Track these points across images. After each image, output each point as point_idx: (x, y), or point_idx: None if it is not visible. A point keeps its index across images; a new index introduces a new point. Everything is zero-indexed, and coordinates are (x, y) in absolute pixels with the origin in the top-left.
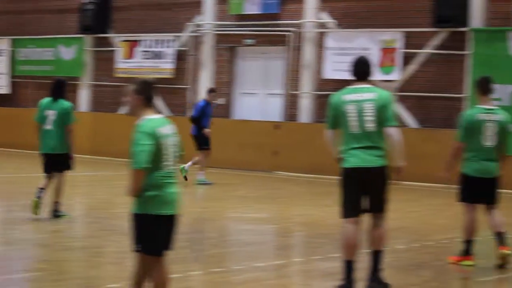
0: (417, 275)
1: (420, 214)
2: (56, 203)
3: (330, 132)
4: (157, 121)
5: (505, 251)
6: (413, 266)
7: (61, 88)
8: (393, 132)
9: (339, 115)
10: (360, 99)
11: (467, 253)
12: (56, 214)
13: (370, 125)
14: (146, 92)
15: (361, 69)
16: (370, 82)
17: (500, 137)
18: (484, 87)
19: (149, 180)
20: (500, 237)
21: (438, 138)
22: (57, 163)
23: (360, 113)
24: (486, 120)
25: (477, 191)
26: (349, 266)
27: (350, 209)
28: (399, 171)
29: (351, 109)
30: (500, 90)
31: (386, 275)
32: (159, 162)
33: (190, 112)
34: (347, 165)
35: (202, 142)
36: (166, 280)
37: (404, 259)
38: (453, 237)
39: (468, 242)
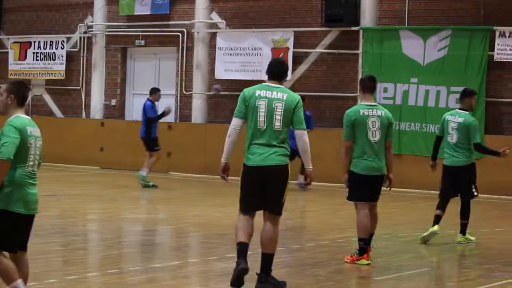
0: (312, 274)
1: (316, 214)
2: None
3: (238, 121)
4: (27, 120)
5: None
6: (308, 266)
7: None
8: (302, 135)
9: (249, 108)
10: (271, 97)
11: (362, 252)
12: None
13: (277, 124)
14: (18, 92)
15: (277, 69)
16: (282, 83)
17: (383, 133)
18: (366, 85)
19: (12, 177)
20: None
21: (330, 137)
22: None
23: (270, 111)
24: (369, 116)
25: (367, 189)
26: (242, 249)
27: (247, 206)
28: (309, 174)
29: (261, 105)
30: (393, 89)
31: (281, 275)
32: (24, 161)
33: (87, 114)
34: (248, 162)
35: (152, 144)
36: (24, 277)
37: (299, 259)
38: (349, 236)
39: (362, 241)
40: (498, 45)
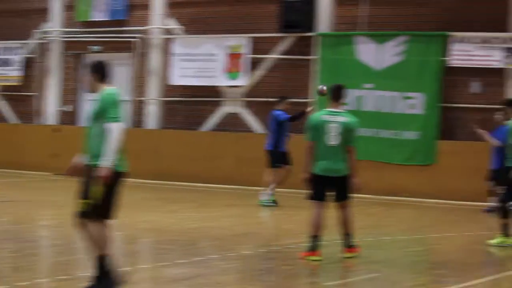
0: (263, 280)
1: (268, 219)
2: None
3: None
4: None
5: (348, 254)
6: (259, 271)
7: None
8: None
9: None
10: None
11: (313, 248)
12: None
13: None
14: None
15: (109, 72)
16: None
17: (344, 137)
18: (336, 94)
19: None
20: (346, 238)
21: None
22: None
23: None
24: (330, 121)
25: (325, 190)
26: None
27: None
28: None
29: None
30: (348, 94)
31: (233, 281)
32: None
33: (42, 120)
34: None
35: (276, 159)
36: None
37: (249, 265)
38: (300, 242)
39: (315, 238)
40: (454, 50)
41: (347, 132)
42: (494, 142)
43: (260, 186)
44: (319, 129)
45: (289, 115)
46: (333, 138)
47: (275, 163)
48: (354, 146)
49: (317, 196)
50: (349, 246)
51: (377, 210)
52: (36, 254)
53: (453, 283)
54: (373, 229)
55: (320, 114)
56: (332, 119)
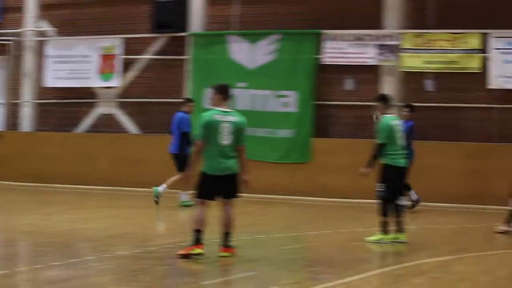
0: (139, 281)
1: (144, 220)
2: None
3: None
4: None
5: (224, 253)
6: (133, 272)
7: None
8: None
9: None
10: None
11: (197, 242)
12: None
13: None
14: None
15: None
16: None
17: (235, 137)
18: (226, 93)
19: None
20: (225, 238)
21: (159, 143)
22: None
23: None
24: (222, 121)
25: (214, 188)
26: None
27: None
28: None
29: None
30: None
31: (107, 282)
32: None
33: None
34: None
35: (183, 163)
36: None
37: (124, 266)
38: (177, 242)
39: (198, 232)
40: (327, 48)
41: (238, 131)
42: None
43: (132, 187)
44: (211, 129)
45: (190, 129)
46: (225, 138)
47: (183, 166)
48: (244, 145)
49: (206, 195)
50: (226, 246)
51: (253, 209)
52: None
53: (330, 280)
54: (249, 228)
55: (211, 113)
56: (224, 118)
